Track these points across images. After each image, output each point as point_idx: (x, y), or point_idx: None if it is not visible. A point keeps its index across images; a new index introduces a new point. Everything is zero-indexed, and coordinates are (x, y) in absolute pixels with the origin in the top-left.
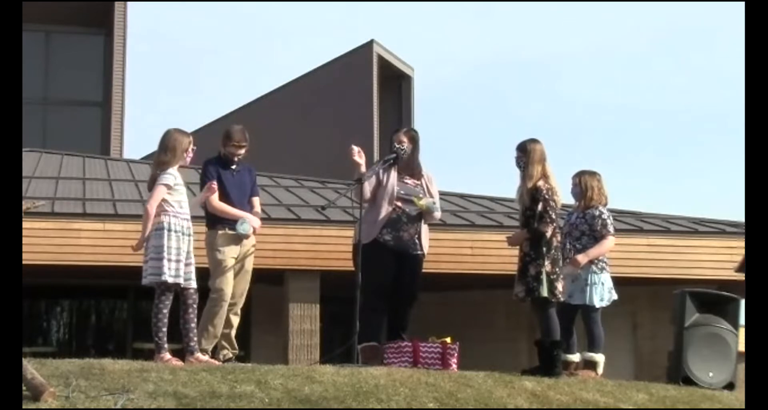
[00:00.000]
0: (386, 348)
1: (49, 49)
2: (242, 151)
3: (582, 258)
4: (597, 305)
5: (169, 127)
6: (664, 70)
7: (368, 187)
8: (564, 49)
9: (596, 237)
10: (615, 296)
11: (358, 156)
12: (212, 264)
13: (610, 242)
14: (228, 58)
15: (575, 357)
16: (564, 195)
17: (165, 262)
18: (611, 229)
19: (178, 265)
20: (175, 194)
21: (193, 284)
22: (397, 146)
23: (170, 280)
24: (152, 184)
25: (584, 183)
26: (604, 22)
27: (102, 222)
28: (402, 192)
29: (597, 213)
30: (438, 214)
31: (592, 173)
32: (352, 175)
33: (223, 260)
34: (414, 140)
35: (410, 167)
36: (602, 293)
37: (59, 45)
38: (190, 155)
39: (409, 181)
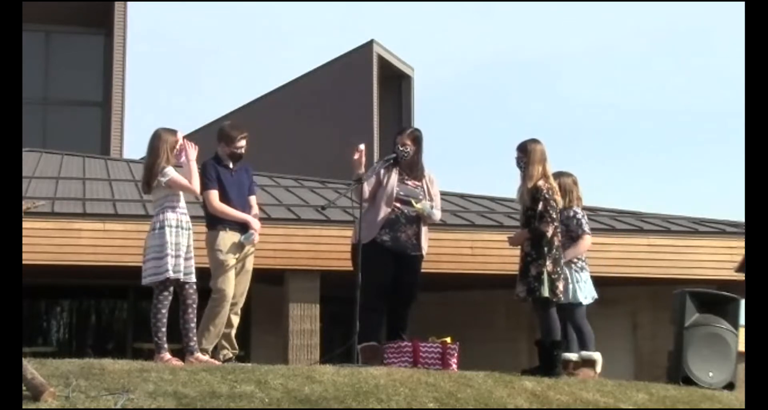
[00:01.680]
0: (386, 348)
1: (49, 49)
2: (244, 142)
3: None
4: (584, 303)
5: (166, 127)
6: (664, 70)
7: (368, 187)
8: (564, 49)
9: (572, 237)
10: (596, 295)
11: (359, 156)
12: (213, 264)
13: (587, 242)
14: (228, 58)
15: (573, 356)
16: None
17: (168, 259)
18: (587, 228)
19: (178, 261)
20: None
21: (193, 279)
22: (400, 148)
23: (172, 276)
24: (146, 187)
25: (563, 185)
26: (604, 22)
27: (102, 222)
28: (402, 193)
29: (572, 214)
30: (438, 216)
31: (569, 175)
32: (351, 175)
33: (224, 260)
34: (417, 141)
35: (413, 168)
36: (585, 291)
37: (59, 45)
38: (183, 153)
39: (410, 182)
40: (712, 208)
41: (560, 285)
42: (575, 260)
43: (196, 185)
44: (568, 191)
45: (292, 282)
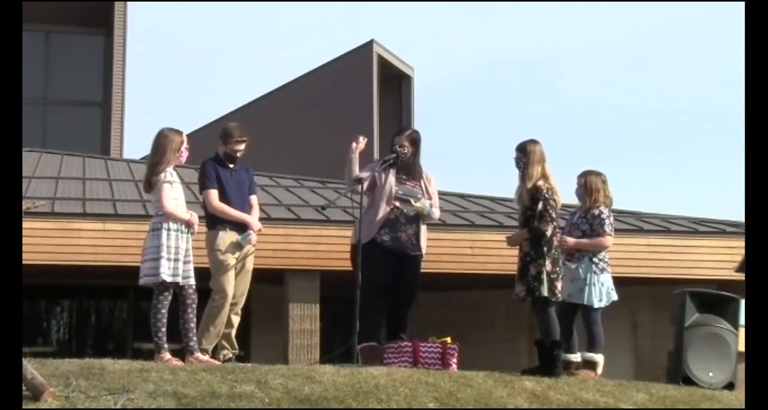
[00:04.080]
0: (386, 348)
1: (49, 49)
2: (243, 146)
3: (572, 241)
4: (596, 306)
5: (171, 127)
6: (664, 70)
7: (365, 185)
8: (564, 49)
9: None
10: (615, 297)
11: (356, 146)
12: (213, 264)
13: (605, 241)
14: (228, 58)
15: (576, 357)
16: (564, 195)
17: (163, 262)
18: (608, 229)
19: (177, 264)
20: (173, 192)
21: (192, 282)
22: (398, 149)
23: (168, 279)
24: (147, 186)
25: (590, 184)
26: (604, 22)
27: (102, 222)
28: (400, 192)
29: (596, 213)
30: (437, 214)
31: (597, 174)
32: (345, 164)
33: (224, 260)
34: (415, 142)
35: (409, 169)
36: (601, 294)
37: (59, 45)
38: (184, 154)
39: (408, 182)
40: (712, 208)
41: (559, 285)
42: (596, 260)
43: (170, 208)
44: (595, 189)
45: (292, 282)
